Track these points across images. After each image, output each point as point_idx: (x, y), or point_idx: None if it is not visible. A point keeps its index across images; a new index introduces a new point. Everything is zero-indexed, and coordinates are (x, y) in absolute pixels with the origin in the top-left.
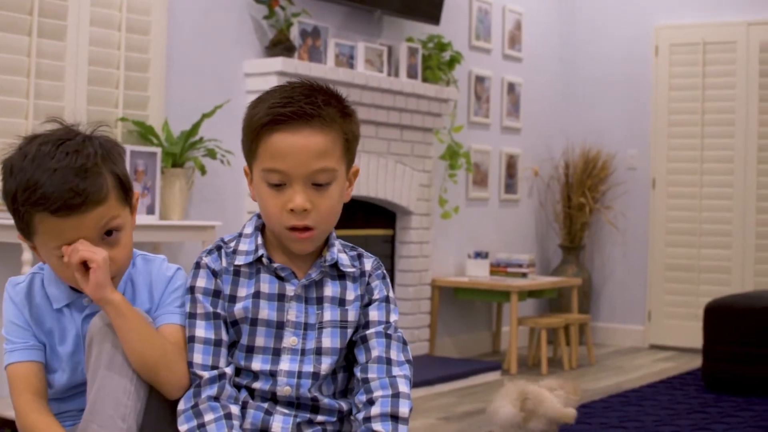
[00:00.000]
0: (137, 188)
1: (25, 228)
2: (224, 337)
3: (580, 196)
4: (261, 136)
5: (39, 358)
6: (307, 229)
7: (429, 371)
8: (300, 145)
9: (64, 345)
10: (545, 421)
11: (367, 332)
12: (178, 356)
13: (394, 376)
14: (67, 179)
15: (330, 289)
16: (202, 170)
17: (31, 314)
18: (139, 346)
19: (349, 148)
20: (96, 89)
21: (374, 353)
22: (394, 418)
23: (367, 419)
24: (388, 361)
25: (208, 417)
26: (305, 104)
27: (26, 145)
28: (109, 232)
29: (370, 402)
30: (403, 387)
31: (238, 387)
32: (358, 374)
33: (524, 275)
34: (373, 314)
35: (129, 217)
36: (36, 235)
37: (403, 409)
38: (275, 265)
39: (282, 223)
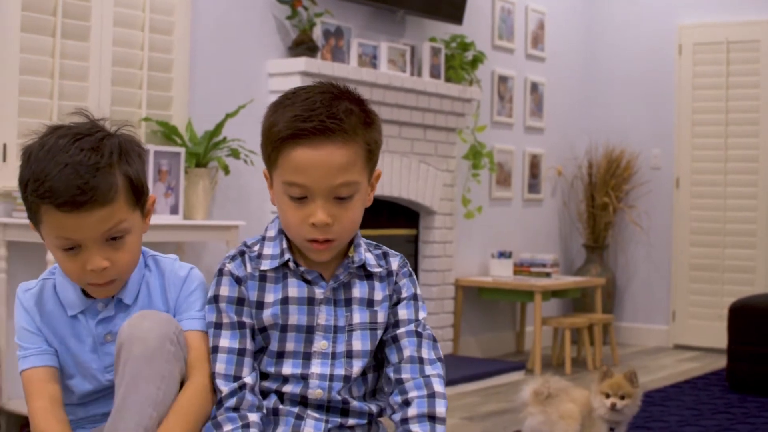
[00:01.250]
0: (161, 189)
1: (33, 217)
2: (249, 345)
3: (604, 196)
4: (281, 148)
5: (53, 363)
6: (327, 241)
7: (453, 371)
8: (322, 160)
9: (81, 351)
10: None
11: (398, 332)
12: (201, 368)
13: (428, 376)
14: (77, 175)
15: (358, 290)
16: (226, 170)
17: (43, 320)
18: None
19: (372, 157)
20: (120, 89)
21: (406, 353)
22: (432, 418)
23: (405, 420)
24: (421, 360)
25: (227, 428)
26: (327, 117)
27: (47, 135)
28: (114, 237)
29: (406, 403)
30: (438, 386)
31: (267, 392)
32: (392, 375)
33: (548, 275)
34: (403, 313)
35: (139, 220)
36: (41, 225)
37: (440, 409)
38: (302, 268)
39: (303, 235)
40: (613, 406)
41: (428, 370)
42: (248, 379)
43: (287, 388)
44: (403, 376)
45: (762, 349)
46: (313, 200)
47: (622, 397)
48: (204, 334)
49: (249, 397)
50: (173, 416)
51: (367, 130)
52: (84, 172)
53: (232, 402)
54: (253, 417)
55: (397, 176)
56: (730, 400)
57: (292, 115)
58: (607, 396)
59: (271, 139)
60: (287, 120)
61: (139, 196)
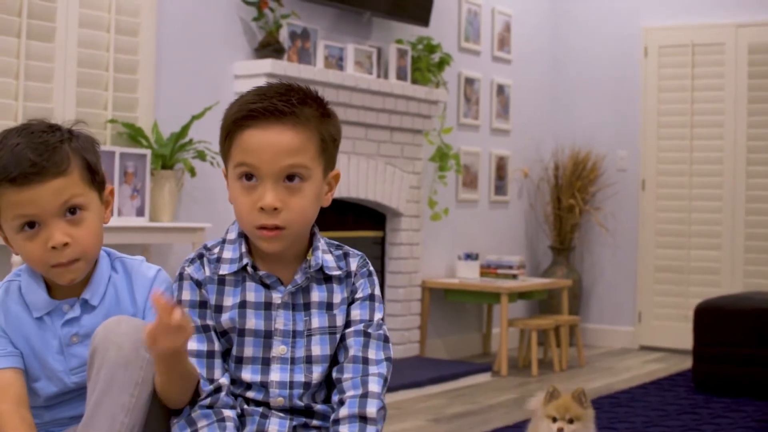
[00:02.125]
0: (127, 191)
1: None
2: (217, 347)
3: (570, 198)
4: (233, 132)
5: (18, 364)
6: (276, 228)
7: (419, 373)
8: (271, 141)
9: (46, 353)
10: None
11: (347, 331)
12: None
13: (367, 375)
14: (29, 150)
15: (317, 294)
16: (192, 172)
17: (8, 322)
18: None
19: (326, 148)
20: (85, 91)
21: (351, 352)
22: (362, 418)
23: (336, 421)
24: (364, 360)
25: (201, 423)
26: (278, 101)
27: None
28: (72, 211)
29: (341, 402)
30: (374, 386)
31: (234, 396)
32: (335, 374)
33: (514, 277)
34: (355, 313)
35: (97, 203)
36: (1, 216)
37: (371, 409)
38: (260, 273)
39: (252, 222)
40: None
41: (370, 370)
42: (223, 380)
43: (250, 394)
44: (344, 375)
45: (727, 349)
46: (263, 183)
47: (571, 421)
48: None
49: (224, 397)
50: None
51: (322, 122)
52: (35, 147)
53: (206, 402)
54: (229, 413)
55: (364, 178)
56: (696, 401)
57: (245, 100)
58: (554, 420)
59: (225, 126)
60: (240, 104)
61: (94, 175)
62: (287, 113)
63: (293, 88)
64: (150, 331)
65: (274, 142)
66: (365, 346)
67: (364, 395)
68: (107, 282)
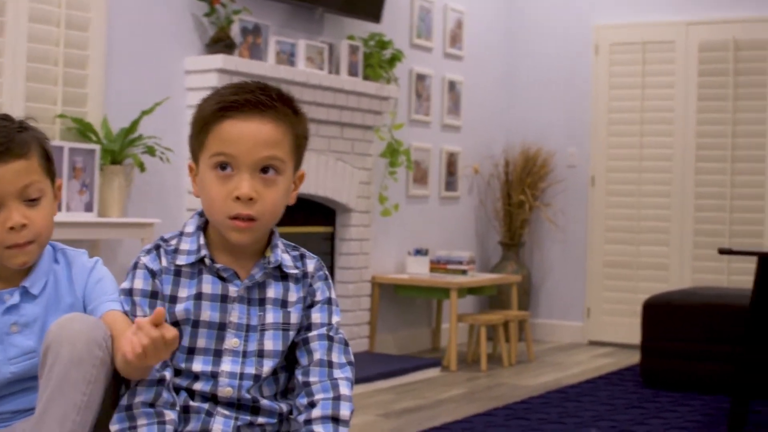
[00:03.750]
0: (75, 186)
1: None
2: None
3: (520, 194)
4: (211, 123)
5: None
6: (250, 219)
7: (368, 368)
8: (251, 132)
9: None
10: None
11: (309, 335)
12: None
13: (336, 379)
14: None
15: (273, 291)
16: (141, 167)
17: None
18: None
19: (299, 145)
20: (34, 86)
21: (316, 356)
22: (335, 420)
23: (308, 422)
24: (330, 364)
25: (141, 422)
26: (260, 95)
27: None
28: (30, 195)
29: (311, 405)
30: (344, 390)
31: (177, 389)
32: (300, 377)
33: (464, 272)
34: (316, 316)
35: (51, 191)
36: None
37: (344, 412)
38: (218, 265)
39: (226, 211)
40: None
41: (336, 373)
42: (166, 373)
43: (197, 386)
44: (311, 379)
45: (675, 344)
46: (239, 174)
47: None
48: (124, 314)
49: (165, 394)
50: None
51: (296, 120)
52: None
53: (149, 396)
54: (170, 414)
55: (314, 174)
56: (644, 395)
57: (224, 93)
58: None
59: (202, 116)
60: (220, 96)
61: (50, 165)
62: (269, 106)
63: (269, 86)
64: (142, 347)
65: (255, 132)
66: (329, 349)
67: (337, 398)
68: (48, 272)
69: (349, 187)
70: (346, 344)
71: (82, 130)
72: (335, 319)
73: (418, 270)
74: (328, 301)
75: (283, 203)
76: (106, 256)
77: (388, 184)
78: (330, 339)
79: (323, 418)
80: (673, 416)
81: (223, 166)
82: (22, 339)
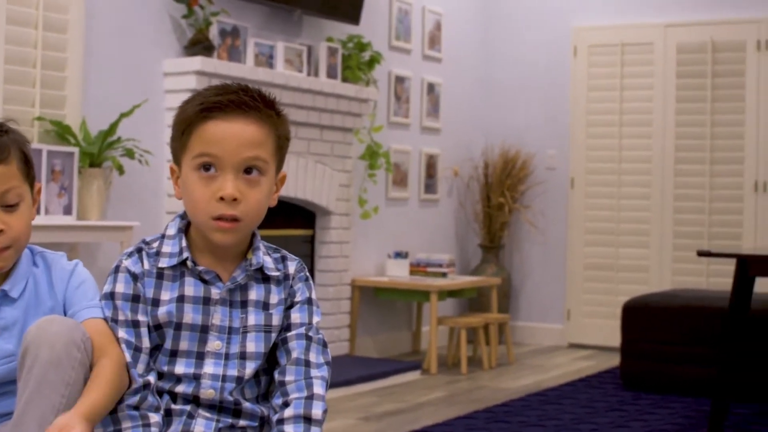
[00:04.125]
0: (54, 189)
1: None
2: (144, 344)
3: (500, 196)
4: (194, 124)
5: None
6: (234, 219)
7: (349, 371)
8: (235, 132)
9: None
10: None
11: (288, 334)
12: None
13: (311, 378)
14: None
15: (255, 293)
16: (120, 170)
17: None
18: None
19: (281, 147)
20: (12, 88)
21: (293, 355)
22: (307, 419)
23: (281, 421)
24: (307, 363)
25: (126, 424)
26: (244, 95)
27: None
28: (8, 201)
29: (285, 404)
30: (318, 389)
31: (160, 392)
32: (277, 376)
33: (444, 275)
34: (295, 316)
35: (29, 196)
36: None
37: (316, 411)
38: (200, 268)
39: (209, 212)
40: None
41: (313, 372)
42: (151, 378)
43: (180, 388)
44: (287, 378)
45: (655, 346)
46: (223, 174)
47: None
48: (104, 320)
49: (150, 398)
50: (92, 383)
51: (279, 121)
52: None
53: (134, 400)
54: (154, 417)
55: (293, 176)
56: (624, 398)
57: (207, 94)
58: None
59: (185, 117)
60: (203, 97)
61: (29, 169)
62: (252, 107)
63: (250, 87)
64: None
65: (239, 133)
66: (307, 349)
67: (310, 397)
68: (27, 275)
69: (328, 190)
70: (325, 345)
71: (61, 132)
72: (315, 319)
73: (398, 273)
74: (308, 302)
75: (266, 204)
76: (85, 260)
77: (367, 187)
78: (308, 339)
79: (295, 418)
80: (653, 418)
81: (206, 167)
82: (2, 342)
